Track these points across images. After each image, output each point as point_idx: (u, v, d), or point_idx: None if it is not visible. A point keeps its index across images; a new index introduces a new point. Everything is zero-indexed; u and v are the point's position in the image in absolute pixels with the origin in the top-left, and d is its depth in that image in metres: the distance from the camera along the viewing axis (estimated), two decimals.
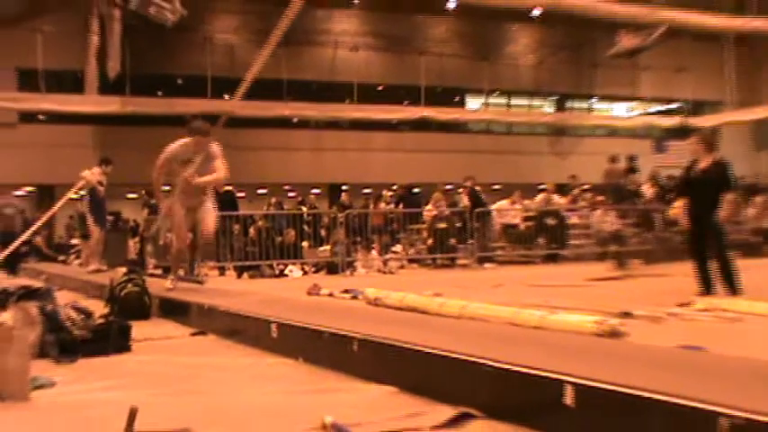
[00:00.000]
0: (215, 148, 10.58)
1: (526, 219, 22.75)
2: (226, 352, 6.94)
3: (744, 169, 30.92)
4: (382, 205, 23.48)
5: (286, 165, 34.82)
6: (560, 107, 41.54)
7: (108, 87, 26.39)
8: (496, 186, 31.67)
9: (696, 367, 4.48)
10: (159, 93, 33.76)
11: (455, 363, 4.57)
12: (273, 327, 6.78)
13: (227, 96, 28.34)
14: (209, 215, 11.00)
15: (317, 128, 36.65)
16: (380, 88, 37.41)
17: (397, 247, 21.54)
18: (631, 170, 25.00)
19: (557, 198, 24.08)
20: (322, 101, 34.10)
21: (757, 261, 17.26)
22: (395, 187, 24.69)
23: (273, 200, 23.81)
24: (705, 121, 37.88)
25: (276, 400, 4.91)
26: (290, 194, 33.73)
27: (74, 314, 6.95)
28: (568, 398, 3.72)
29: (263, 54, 9.72)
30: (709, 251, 10.37)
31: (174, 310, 9.48)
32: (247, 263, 18.38)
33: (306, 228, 21.23)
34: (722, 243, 10.44)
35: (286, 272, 18.38)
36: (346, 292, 11.31)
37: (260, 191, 34.76)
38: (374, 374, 5.18)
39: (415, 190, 25.14)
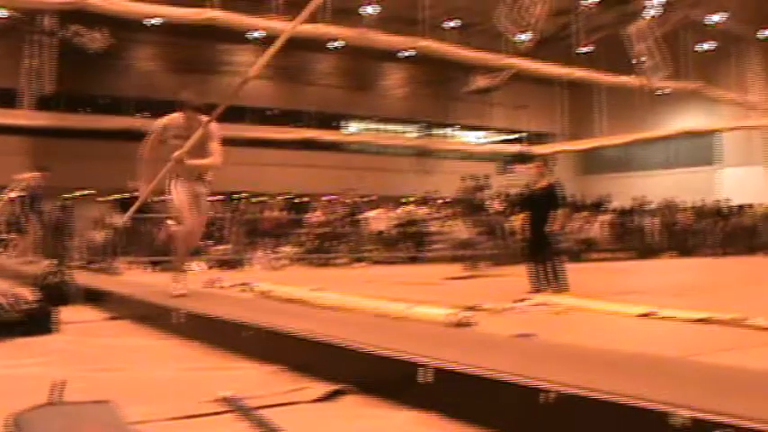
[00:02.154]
0: (213, 127, 8.13)
1: (394, 226, 22.86)
2: (138, 335, 6.81)
3: (572, 190, 31.61)
4: (274, 212, 23.35)
5: None
6: (425, 133, 41.85)
7: (41, 104, 25.73)
8: (370, 198, 31.74)
9: (528, 351, 4.60)
10: (87, 110, 32.98)
11: (332, 346, 4.59)
12: (178, 314, 6.70)
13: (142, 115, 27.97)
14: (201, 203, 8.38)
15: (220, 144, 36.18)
16: (275, 112, 37.19)
17: (286, 248, 21.44)
18: (481, 188, 25.34)
19: (419, 209, 24.26)
20: (224, 122, 33.72)
21: (580, 265, 17.69)
22: (284, 197, 24.58)
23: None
24: (542, 150, 38.68)
25: (180, 376, 4.86)
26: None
27: (3, 299, 6.76)
28: (424, 376, 3.78)
29: (264, 59, 8.58)
30: (543, 256, 10.61)
31: (94, 297, 9.26)
32: (157, 258, 18.10)
33: (209, 228, 20.96)
34: (553, 249, 10.70)
35: (192, 266, 18.14)
36: (241, 285, 11.19)
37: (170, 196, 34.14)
38: (263, 356, 5.16)
39: (303, 199, 25.08)
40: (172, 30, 28.12)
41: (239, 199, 25.17)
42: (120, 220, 17.25)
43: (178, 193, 8.22)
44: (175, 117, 8.25)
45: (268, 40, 30.62)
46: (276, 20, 26.70)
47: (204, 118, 8.11)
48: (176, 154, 7.87)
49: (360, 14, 30.78)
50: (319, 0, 6.05)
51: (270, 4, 29.00)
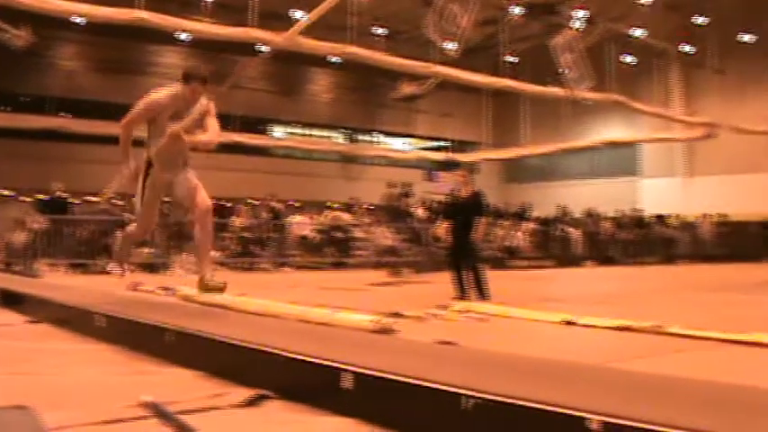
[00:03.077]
0: (209, 102, 7.35)
1: (318, 231, 22.86)
2: (58, 338, 6.71)
3: (495, 198, 31.98)
4: None
5: (114, 177, 33.71)
6: (351, 139, 41.91)
7: None
8: (295, 203, 31.63)
9: (449, 357, 4.66)
10: (8, 108, 32.26)
11: (254, 351, 4.60)
12: (99, 317, 6.62)
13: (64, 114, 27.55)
14: (200, 185, 7.47)
15: (143, 146, 35.72)
16: None
17: (211, 252, 21.24)
18: (406, 195, 25.52)
19: (344, 215, 24.31)
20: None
21: (502, 272, 17.89)
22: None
23: (102, 206, 23.12)
24: (467, 158, 38.97)
25: (101, 380, 4.81)
26: (120, 202, 32.77)
27: None
28: (347, 382, 3.81)
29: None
30: (466, 263, 10.71)
31: (12, 300, 9.10)
32: (78, 261, 17.84)
33: None
34: (476, 257, 10.82)
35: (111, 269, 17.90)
36: (163, 288, 11.08)
37: (93, 198, 33.61)
38: (185, 360, 5.14)
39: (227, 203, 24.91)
40: (98, 29, 27.68)
41: (163, 202, 24.88)
42: (39, 221, 17.02)
43: (152, 187, 7.39)
44: (178, 93, 7.16)
45: (196, 41, 30.51)
46: (205, 22, 26.54)
47: (210, 101, 7.35)
48: (173, 129, 6.99)
49: (289, 19, 30.73)
50: None
51: (198, 6, 28.84)
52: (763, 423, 2.90)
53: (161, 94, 7.12)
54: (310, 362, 4.16)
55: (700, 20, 37.41)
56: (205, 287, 7.41)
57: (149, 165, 7.31)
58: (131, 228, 8.08)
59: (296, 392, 4.15)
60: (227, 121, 37.11)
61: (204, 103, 7.23)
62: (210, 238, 7.81)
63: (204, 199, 7.38)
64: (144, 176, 7.36)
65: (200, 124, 7.22)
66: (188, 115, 7.08)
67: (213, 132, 7.25)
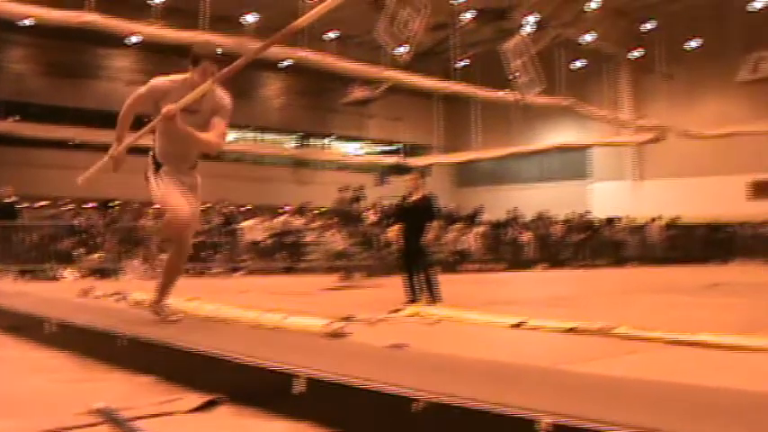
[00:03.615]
0: (227, 102, 6.37)
1: (270, 236, 22.79)
2: (7, 346, 6.63)
3: (447, 201, 32.16)
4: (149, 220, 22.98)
5: (65, 181, 33.33)
6: (302, 143, 41.86)
7: None
8: (246, 207, 31.47)
9: (400, 361, 4.69)
10: None
11: (206, 357, 4.58)
12: (50, 324, 6.56)
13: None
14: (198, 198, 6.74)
15: (95, 150, 35.34)
16: (150, 118, 36.55)
17: (161, 256, 21.10)
18: (357, 199, 25.55)
19: (295, 219, 24.26)
20: (100, 127, 32.94)
21: (454, 276, 17.99)
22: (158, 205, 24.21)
23: (52, 211, 22.91)
24: (418, 162, 39.14)
25: (52, 388, 4.76)
26: (68, 207, 32.40)
27: None
28: (298, 387, 3.83)
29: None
30: (417, 267, 10.75)
31: None
32: (27, 267, 17.63)
33: (81, 236, 20.51)
34: (427, 261, 10.86)
35: (64, 275, 17.73)
36: (115, 294, 10.94)
37: (41, 203, 33.18)
38: (137, 366, 5.11)
39: None
40: (47, 31, 27.35)
41: (113, 206, 24.69)
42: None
43: (164, 183, 6.41)
44: (186, 79, 6.22)
45: (147, 45, 30.26)
46: (155, 25, 26.35)
47: (225, 94, 6.38)
48: (168, 108, 5.93)
49: (240, 23, 30.65)
50: None
51: (149, 9, 28.62)
52: (710, 422, 2.96)
53: (163, 79, 6.30)
54: (262, 366, 4.17)
55: (648, 26, 37.97)
56: (155, 314, 6.60)
57: (157, 164, 6.53)
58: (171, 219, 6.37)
59: (248, 397, 4.15)
60: None
61: (220, 98, 6.31)
62: (184, 264, 6.90)
63: (197, 223, 6.71)
64: (155, 174, 6.50)
65: (208, 124, 6.21)
66: (200, 108, 6.17)
67: (217, 134, 6.24)
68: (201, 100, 6.09)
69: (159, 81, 6.26)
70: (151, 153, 6.59)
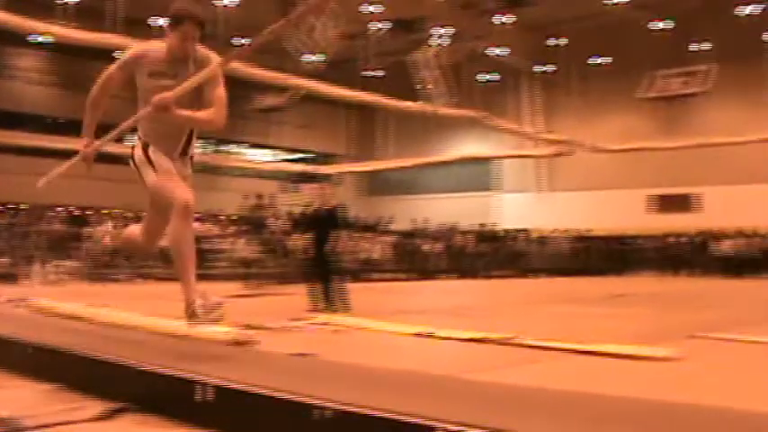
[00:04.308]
0: (209, 55, 5.07)
1: None
2: None
3: (356, 210, 32.20)
4: (54, 224, 22.51)
5: None
6: (212, 149, 41.46)
7: None
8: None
9: (306, 369, 4.69)
10: None
11: (110, 364, 4.51)
12: None
13: None
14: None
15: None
16: (58, 120, 35.73)
17: (66, 262, 20.69)
18: (264, 206, 25.41)
19: (203, 226, 24.02)
20: (6, 128, 32.17)
21: (361, 285, 18.01)
22: (64, 209, 23.78)
23: None
24: (327, 170, 39.16)
25: None
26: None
27: None
28: (203, 395, 3.79)
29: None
30: (325, 275, 10.75)
31: None
32: None
33: None
34: (335, 269, 10.87)
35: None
36: (17, 300, 10.59)
37: None
38: (40, 374, 4.99)
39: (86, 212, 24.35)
40: None
41: (17, 210, 24.13)
42: None
43: (158, 164, 5.15)
44: (159, 45, 5.08)
45: (58, 46, 29.63)
46: (63, 25, 25.86)
47: (213, 54, 5.10)
48: (159, 97, 4.75)
49: (149, 25, 30.22)
50: None
51: (61, 10, 28.04)
52: (610, 429, 3.03)
53: (138, 46, 5.17)
54: (166, 374, 4.12)
55: (556, 41, 38.68)
56: (194, 316, 5.03)
57: (146, 146, 5.24)
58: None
59: (152, 405, 4.10)
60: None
61: (204, 56, 5.06)
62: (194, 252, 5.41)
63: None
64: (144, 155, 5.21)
65: (201, 98, 5.04)
66: (179, 74, 4.98)
67: (218, 109, 5.07)
68: (181, 68, 5.00)
69: (136, 49, 5.16)
70: (138, 135, 5.40)
